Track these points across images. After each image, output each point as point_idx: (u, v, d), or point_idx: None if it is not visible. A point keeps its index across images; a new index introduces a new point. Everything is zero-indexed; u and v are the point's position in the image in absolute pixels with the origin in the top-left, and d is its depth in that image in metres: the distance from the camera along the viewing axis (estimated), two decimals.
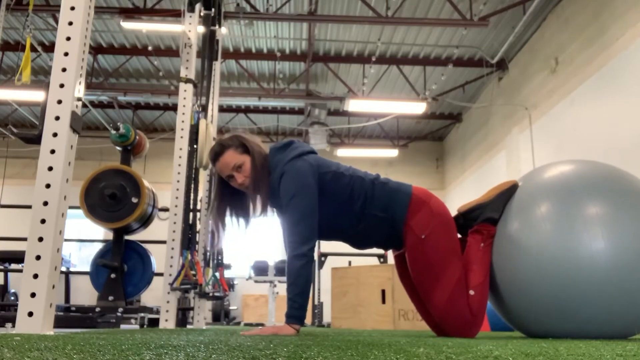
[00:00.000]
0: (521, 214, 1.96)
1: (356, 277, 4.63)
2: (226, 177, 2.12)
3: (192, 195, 3.34)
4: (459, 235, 2.21)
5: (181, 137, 3.35)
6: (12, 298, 6.94)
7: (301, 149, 2.09)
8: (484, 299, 2.02)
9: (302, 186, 1.98)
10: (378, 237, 2.12)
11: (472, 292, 1.99)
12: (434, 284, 2.00)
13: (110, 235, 4.12)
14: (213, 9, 3.95)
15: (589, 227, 1.76)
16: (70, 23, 1.76)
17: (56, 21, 7.26)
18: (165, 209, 3.79)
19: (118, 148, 4.13)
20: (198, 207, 3.47)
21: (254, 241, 10.65)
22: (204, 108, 3.64)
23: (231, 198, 2.17)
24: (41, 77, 9.17)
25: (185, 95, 3.44)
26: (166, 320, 2.97)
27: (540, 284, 1.82)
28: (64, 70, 1.72)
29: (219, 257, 3.68)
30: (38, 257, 1.57)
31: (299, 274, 1.89)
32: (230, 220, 2.18)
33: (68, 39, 1.75)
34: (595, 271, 1.72)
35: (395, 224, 2.06)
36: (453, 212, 2.18)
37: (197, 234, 3.42)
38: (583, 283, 1.73)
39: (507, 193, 2.07)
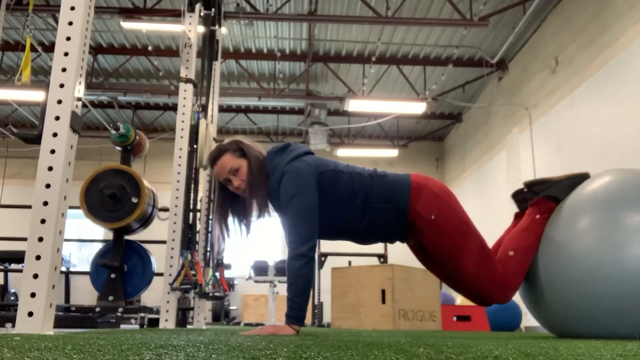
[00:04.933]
0: (571, 219, 1.96)
1: (356, 277, 4.62)
2: (223, 181, 2.13)
3: (192, 195, 3.34)
4: (518, 211, 2.27)
5: (181, 137, 3.35)
6: (12, 298, 6.94)
7: (298, 151, 2.11)
8: (523, 264, 2.04)
9: (301, 186, 1.98)
10: (382, 229, 2.13)
11: (511, 253, 2.03)
12: (459, 257, 2.03)
13: (110, 235, 4.12)
14: (213, 9, 3.95)
15: (636, 234, 1.79)
16: (70, 23, 1.76)
17: (56, 21, 7.26)
18: (165, 209, 3.78)
19: (118, 148, 4.13)
20: (198, 207, 3.47)
21: (254, 241, 10.65)
22: (204, 108, 3.64)
23: (232, 203, 2.18)
24: (41, 77, 9.17)
25: (185, 95, 3.44)
26: (166, 320, 2.97)
27: (587, 289, 1.83)
28: (64, 70, 1.72)
29: (219, 257, 3.68)
30: (38, 257, 1.57)
31: (299, 274, 1.89)
32: (232, 225, 2.19)
33: (68, 39, 1.75)
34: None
35: (400, 214, 2.07)
36: None
37: (197, 234, 3.42)
38: (630, 287, 1.75)
39: (577, 179, 2.08)
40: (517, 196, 2.28)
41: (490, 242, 2.18)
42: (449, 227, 2.05)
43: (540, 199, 2.10)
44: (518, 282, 2.05)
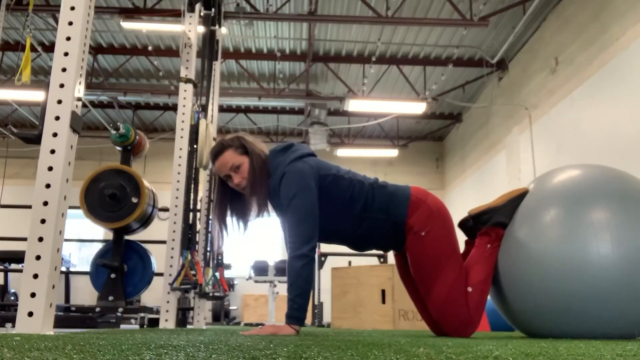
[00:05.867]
0: (529, 219, 1.96)
1: (356, 277, 4.63)
2: (224, 177, 2.13)
3: (192, 195, 3.34)
4: (467, 238, 2.25)
5: (181, 137, 3.35)
6: (12, 298, 6.94)
7: (301, 152, 2.10)
8: (482, 298, 2.04)
9: (302, 187, 1.98)
10: (378, 238, 2.14)
11: (470, 289, 2.02)
12: (434, 279, 2.03)
13: (110, 235, 4.12)
14: (213, 9, 3.95)
15: (596, 231, 1.77)
16: (70, 23, 1.76)
17: (56, 21, 7.25)
18: (165, 209, 3.78)
19: (118, 148, 4.13)
20: (198, 207, 3.47)
21: (254, 241, 10.65)
22: (204, 108, 3.64)
23: (232, 199, 2.18)
24: (41, 77, 9.17)
25: (185, 95, 3.44)
26: (166, 320, 2.97)
27: (547, 288, 1.82)
28: (64, 70, 1.72)
29: (219, 257, 3.68)
30: (38, 257, 1.57)
31: (300, 274, 1.89)
32: (230, 221, 2.19)
33: (68, 39, 1.75)
34: (603, 271, 1.73)
35: (397, 225, 2.08)
36: (454, 212, 2.19)
37: (197, 234, 3.42)
38: (590, 285, 1.74)
39: (518, 200, 2.09)
40: (464, 225, 2.27)
41: None
42: (436, 247, 2.04)
43: (489, 228, 2.11)
44: (479, 315, 2.05)
